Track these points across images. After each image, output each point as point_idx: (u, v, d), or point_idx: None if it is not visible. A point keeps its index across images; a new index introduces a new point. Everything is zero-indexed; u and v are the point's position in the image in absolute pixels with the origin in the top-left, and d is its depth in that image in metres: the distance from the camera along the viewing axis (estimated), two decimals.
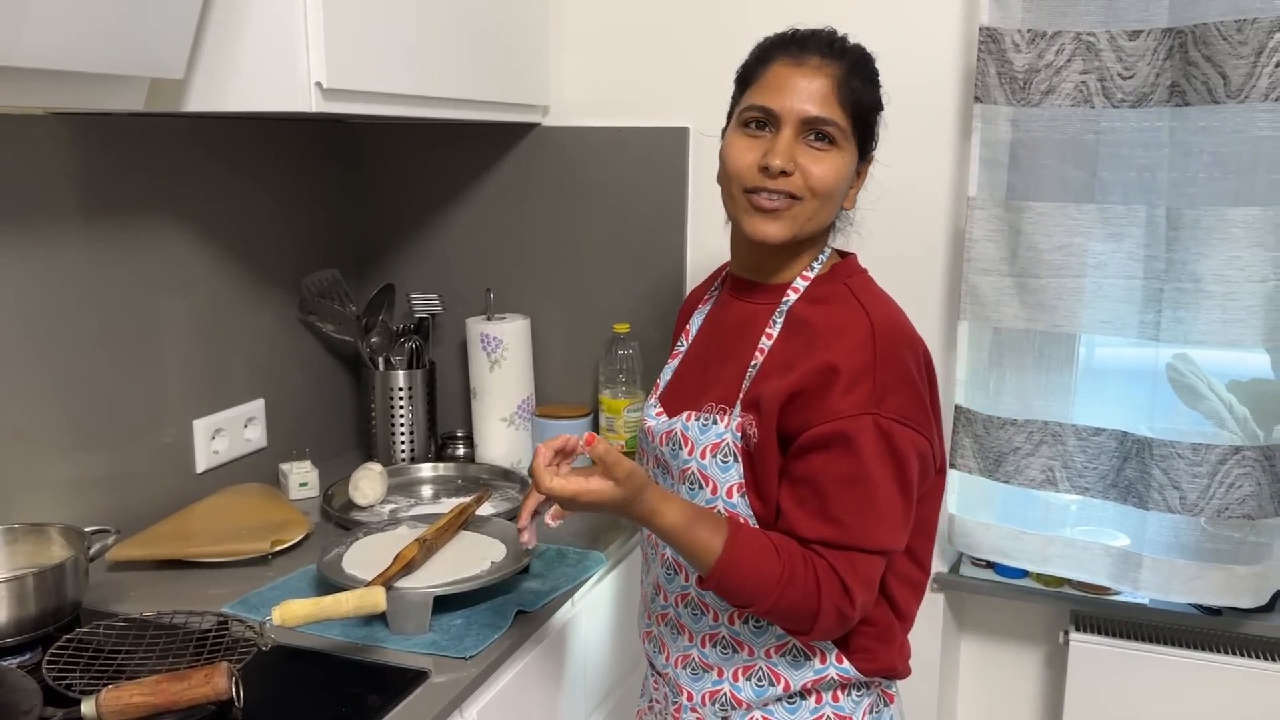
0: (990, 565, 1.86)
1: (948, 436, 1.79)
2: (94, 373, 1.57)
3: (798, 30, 1.22)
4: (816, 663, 1.21)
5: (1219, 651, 1.69)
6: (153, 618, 1.30)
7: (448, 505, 1.81)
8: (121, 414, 1.62)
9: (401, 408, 2.00)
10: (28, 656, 1.25)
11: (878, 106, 1.23)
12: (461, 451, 2.07)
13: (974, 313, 1.72)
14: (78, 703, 1.07)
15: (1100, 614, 1.79)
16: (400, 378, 2.00)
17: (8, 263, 1.43)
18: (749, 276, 1.27)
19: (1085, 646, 1.75)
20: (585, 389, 2.05)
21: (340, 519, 1.73)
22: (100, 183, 1.56)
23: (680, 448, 1.23)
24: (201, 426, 1.76)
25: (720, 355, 1.26)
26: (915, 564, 1.24)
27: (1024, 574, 1.83)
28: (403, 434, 2.01)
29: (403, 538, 1.53)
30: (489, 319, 1.99)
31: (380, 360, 2.02)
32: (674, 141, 1.93)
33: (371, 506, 1.79)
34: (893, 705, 1.27)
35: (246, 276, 1.85)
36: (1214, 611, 1.70)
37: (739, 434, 1.18)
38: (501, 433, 1.99)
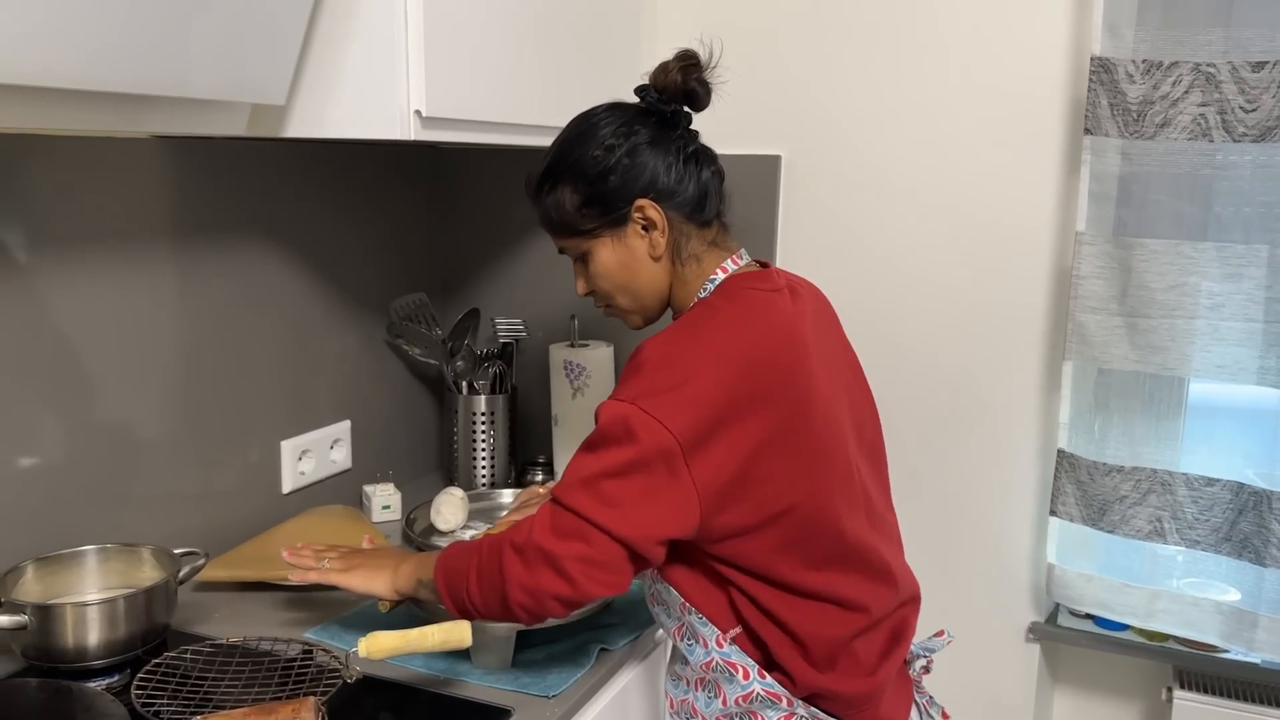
0: (1089, 616, 1.78)
1: (1049, 482, 1.72)
2: (185, 392, 1.58)
3: None
4: (740, 678, 1.21)
5: None
6: (239, 643, 1.30)
7: None
8: (211, 433, 1.63)
9: (483, 432, 1.99)
10: (115, 679, 1.26)
11: (585, 191, 1.23)
12: (541, 478, 2.05)
13: (1080, 353, 1.65)
14: None
15: (1207, 671, 1.70)
16: (482, 402, 1.99)
17: (107, 283, 1.45)
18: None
19: (1190, 705, 1.66)
20: None
21: (421, 543, 1.72)
22: (198, 205, 1.58)
23: None
24: (289, 447, 1.77)
25: None
26: (797, 593, 1.17)
27: (1125, 626, 1.75)
28: (483, 459, 2.00)
29: None
30: (573, 346, 1.97)
31: (464, 384, 2.01)
32: (765, 169, 1.89)
33: (453, 532, 1.78)
34: None
35: (336, 299, 1.86)
36: None
37: None
38: None
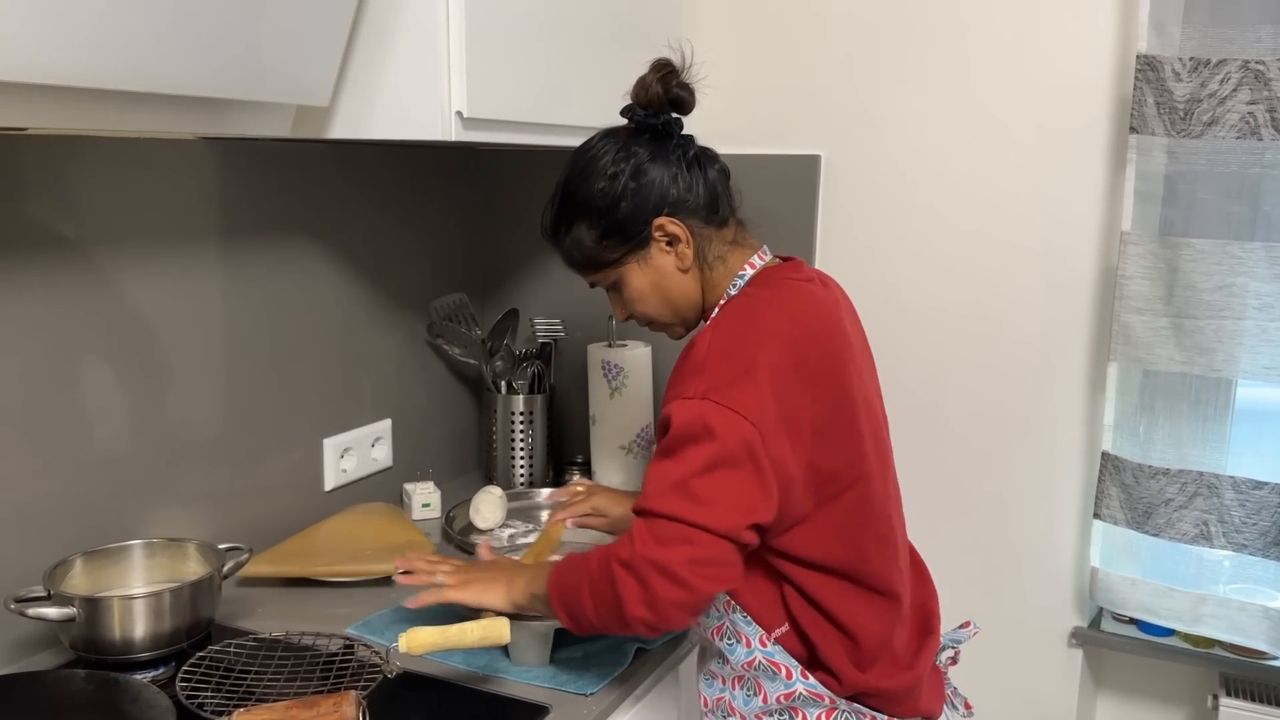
0: (1133, 621, 1.76)
1: (1093, 484, 1.70)
2: (230, 390, 1.60)
3: None
4: (784, 677, 1.21)
5: None
6: (282, 638, 1.32)
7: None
8: (255, 430, 1.65)
9: (521, 432, 2.00)
10: (160, 671, 1.28)
11: (601, 224, 1.24)
12: (579, 478, 2.06)
13: (1125, 354, 1.63)
14: None
15: (1254, 678, 1.67)
16: (520, 402, 2.00)
17: (154, 284, 1.47)
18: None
19: (1237, 713, 1.63)
20: None
21: (461, 542, 1.73)
22: (242, 205, 1.60)
23: None
24: (331, 445, 1.79)
25: None
26: (852, 580, 1.19)
27: (1170, 632, 1.72)
28: (522, 458, 2.01)
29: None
30: (611, 346, 1.97)
31: (502, 384, 2.03)
32: (805, 169, 1.89)
33: (491, 530, 1.79)
34: None
35: (378, 299, 1.88)
36: None
37: None
38: (620, 460, 1.97)
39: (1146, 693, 1.84)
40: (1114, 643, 1.75)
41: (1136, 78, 1.55)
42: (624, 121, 1.27)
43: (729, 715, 1.28)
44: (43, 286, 1.33)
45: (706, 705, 1.31)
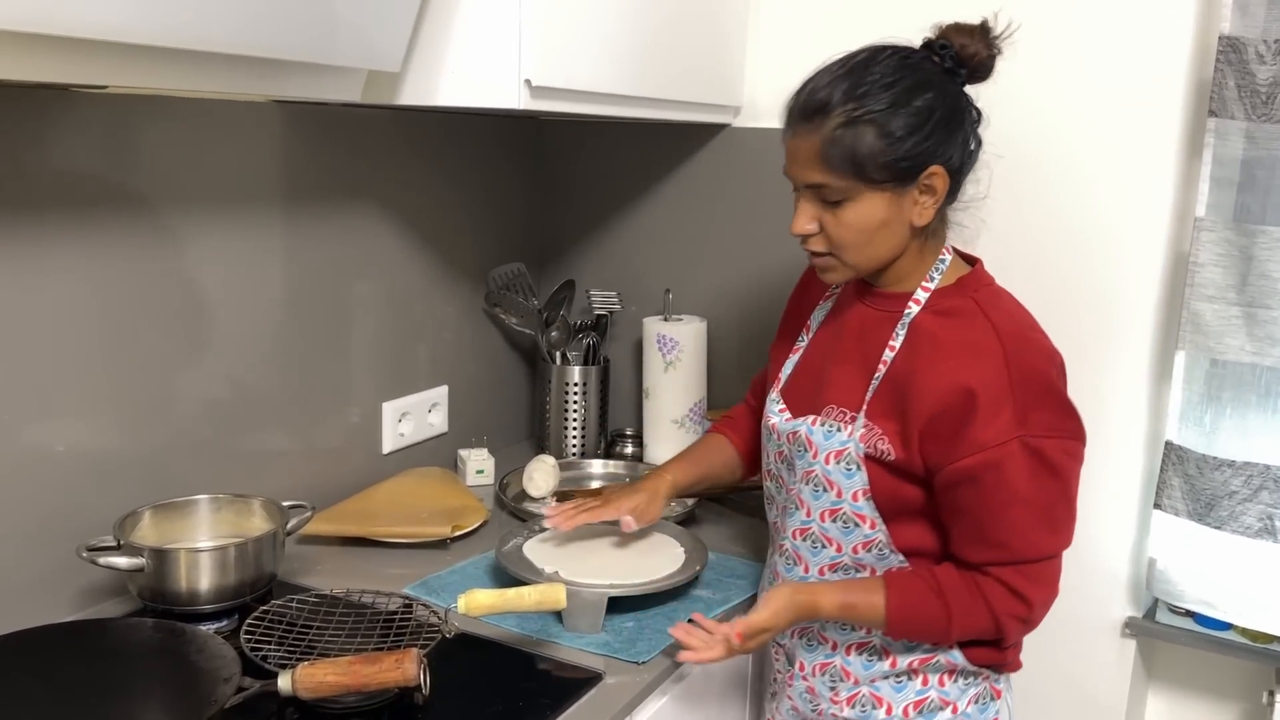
0: (1189, 613, 1.73)
1: (1154, 474, 1.68)
2: (293, 352, 1.63)
3: (796, 92, 1.20)
4: (928, 645, 1.24)
5: None
6: (342, 595, 1.34)
7: None
8: (316, 393, 1.68)
9: (575, 402, 2.01)
10: (224, 623, 1.31)
11: (889, 143, 1.14)
12: (630, 450, 2.07)
13: (1193, 342, 1.59)
14: (274, 675, 1.10)
15: None
16: (575, 373, 2.01)
17: (221, 243, 1.49)
18: (870, 280, 1.28)
19: None
20: None
21: (514, 508, 1.75)
22: (308, 170, 1.62)
23: (805, 450, 1.26)
24: (390, 409, 1.81)
25: (840, 358, 1.28)
26: None
27: (1226, 625, 1.69)
28: (574, 428, 2.02)
29: (579, 535, 1.54)
30: (666, 320, 1.97)
31: (557, 354, 2.04)
32: None
33: (544, 499, 1.81)
34: (999, 700, 1.29)
35: (437, 266, 1.90)
36: None
37: (862, 445, 1.21)
38: (672, 434, 1.98)
39: (1200, 686, 1.81)
40: (1169, 634, 1.73)
41: (1218, 59, 1.51)
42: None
43: (841, 679, 1.28)
44: (116, 245, 1.36)
45: (803, 669, 1.32)
